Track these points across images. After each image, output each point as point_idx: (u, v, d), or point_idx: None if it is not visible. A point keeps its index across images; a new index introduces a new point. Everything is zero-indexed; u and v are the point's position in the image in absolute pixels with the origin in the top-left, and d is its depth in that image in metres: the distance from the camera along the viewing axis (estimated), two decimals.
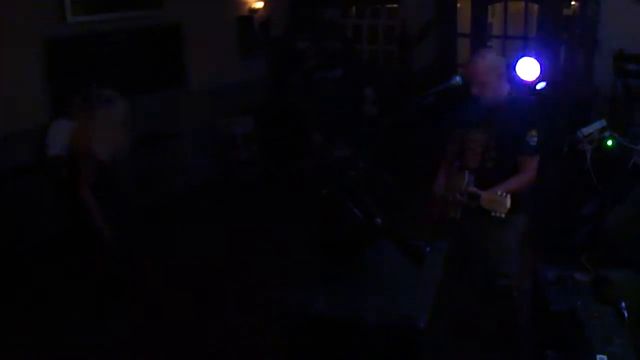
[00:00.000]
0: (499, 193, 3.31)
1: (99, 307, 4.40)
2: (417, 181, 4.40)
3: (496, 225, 3.54)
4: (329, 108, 5.81)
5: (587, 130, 4.57)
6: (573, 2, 7.19)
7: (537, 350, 3.41)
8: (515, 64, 5.04)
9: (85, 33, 6.00)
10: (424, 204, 3.94)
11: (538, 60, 5.11)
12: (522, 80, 5.00)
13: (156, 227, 5.75)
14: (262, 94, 7.90)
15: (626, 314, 2.89)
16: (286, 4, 8.17)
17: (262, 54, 7.84)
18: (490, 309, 3.84)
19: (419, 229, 3.60)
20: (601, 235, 4.47)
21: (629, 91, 5.79)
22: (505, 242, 3.69)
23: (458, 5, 7.98)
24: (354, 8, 8.65)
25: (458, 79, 3.56)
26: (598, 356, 2.62)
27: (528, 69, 5.05)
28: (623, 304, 2.93)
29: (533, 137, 3.50)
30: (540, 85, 5.51)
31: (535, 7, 7.43)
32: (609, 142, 4.55)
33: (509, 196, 3.28)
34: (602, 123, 4.65)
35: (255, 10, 7.67)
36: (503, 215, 3.28)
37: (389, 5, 8.48)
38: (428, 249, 3.07)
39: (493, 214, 3.30)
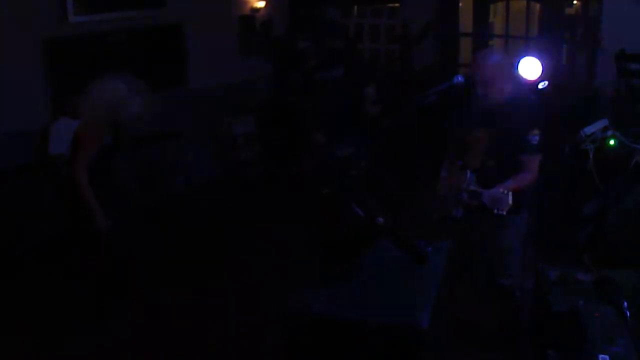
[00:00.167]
0: (501, 190, 3.30)
1: (99, 307, 4.39)
2: (418, 181, 4.39)
3: (498, 225, 3.54)
4: (330, 108, 5.80)
5: (589, 130, 4.55)
6: (575, 2, 7.18)
7: (538, 350, 3.40)
8: (517, 64, 5.02)
9: (86, 33, 5.99)
10: (425, 204, 3.93)
11: (540, 60, 5.10)
12: (524, 79, 4.99)
13: (156, 227, 5.73)
14: (262, 94, 7.89)
15: (628, 314, 2.89)
16: (287, 3, 8.16)
17: (263, 54, 7.83)
18: (492, 308, 3.83)
19: (420, 228, 3.59)
20: (603, 235, 4.46)
21: (631, 91, 5.76)
22: (506, 241, 3.68)
23: (460, 4, 7.98)
24: (355, 7, 8.64)
25: (460, 78, 3.56)
26: (600, 356, 2.62)
27: (530, 68, 5.03)
28: (625, 304, 2.93)
29: (535, 137, 3.50)
30: (542, 85, 5.50)
31: (537, 6, 7.43)
32: (611, 142, 4.53)
33: (510, 194, 3.27)
34: (604, 122, 4.63)
35: (256, 10, 7.67)
36: (504, 213, 3.27)
37: (391, 5, 8.48)
38: (429, 249, 3.06)
39: (495, 211, 3.29)
